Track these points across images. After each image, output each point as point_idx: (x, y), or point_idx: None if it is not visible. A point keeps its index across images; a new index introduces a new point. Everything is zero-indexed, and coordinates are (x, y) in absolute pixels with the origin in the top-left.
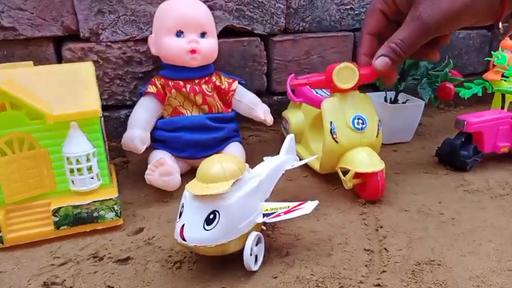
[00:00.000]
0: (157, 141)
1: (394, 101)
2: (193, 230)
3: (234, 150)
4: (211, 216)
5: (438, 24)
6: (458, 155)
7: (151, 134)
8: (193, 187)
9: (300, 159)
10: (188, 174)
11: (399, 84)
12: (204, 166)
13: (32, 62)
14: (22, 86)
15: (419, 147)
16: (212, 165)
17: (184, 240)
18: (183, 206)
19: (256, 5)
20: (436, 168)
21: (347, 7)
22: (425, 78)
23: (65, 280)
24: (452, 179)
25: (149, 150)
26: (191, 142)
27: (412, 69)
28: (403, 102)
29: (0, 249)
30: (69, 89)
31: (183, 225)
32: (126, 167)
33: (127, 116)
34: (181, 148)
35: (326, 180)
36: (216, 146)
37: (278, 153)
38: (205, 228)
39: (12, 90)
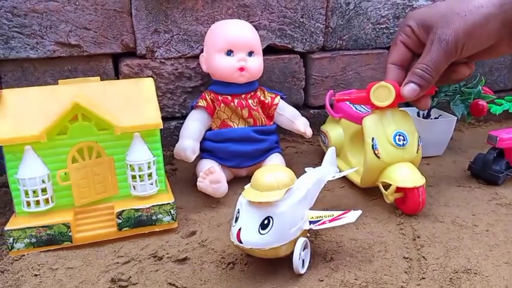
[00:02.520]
0: (205, 151)
1: (427, 116)
2: (249, 233)
3: (275, 161)
4: (266, 221)
5: (456, 41)
6: (490, 169)
7: (200, 144)
8: (249, 194)
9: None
10: (232, 183)
11: (432, 100)
12: (258, 175)
13: (98, 77)
14: (92, 99)
15: (451, 161)
16: (266, 174)
17: (241, 242)
18: (238, 212)
19: (297, 25)
20: (469, 181)
21: (382, 26)
22: (458, 95)
23: (130, 277)
24: (484, 193)
25: (197, 159)
26: (237, 153)
27: (445, 85)
28: (435, 118)
29: (70, 247)
30: (133, 102)
31: (240, 229)
32: (175, 174)
33: (176, 127)
34: (228, 158)
35: (363, 191)
36: (259, 157)
37: (314, 163)
38: (260, 233)
39: (84, 103)
